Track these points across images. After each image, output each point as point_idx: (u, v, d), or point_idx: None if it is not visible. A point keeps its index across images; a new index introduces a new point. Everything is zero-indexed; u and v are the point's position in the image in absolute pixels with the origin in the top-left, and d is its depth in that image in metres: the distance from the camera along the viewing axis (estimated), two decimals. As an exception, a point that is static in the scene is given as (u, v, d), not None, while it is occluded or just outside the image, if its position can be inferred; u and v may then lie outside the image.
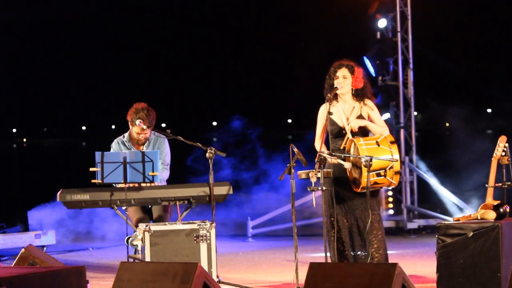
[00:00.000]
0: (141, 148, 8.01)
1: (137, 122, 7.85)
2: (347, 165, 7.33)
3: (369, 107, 7.59)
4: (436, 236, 6.72)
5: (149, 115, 7.90)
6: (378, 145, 7.20)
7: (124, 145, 8.05)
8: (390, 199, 12.58)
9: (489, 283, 6.47)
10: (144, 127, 7.85)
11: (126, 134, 8.11)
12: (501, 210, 6.74)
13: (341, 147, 7.49)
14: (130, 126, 7.99)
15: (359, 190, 7.27)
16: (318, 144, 7.51)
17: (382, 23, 12.59)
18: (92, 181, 7.43)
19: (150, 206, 7.95)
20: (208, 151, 7.48)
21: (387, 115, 12.45)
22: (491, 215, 6.71)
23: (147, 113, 7.90)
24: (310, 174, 7.04)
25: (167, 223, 7.42)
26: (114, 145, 8.11)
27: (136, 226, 7.51)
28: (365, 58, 12.41)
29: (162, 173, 8.00)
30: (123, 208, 7.54)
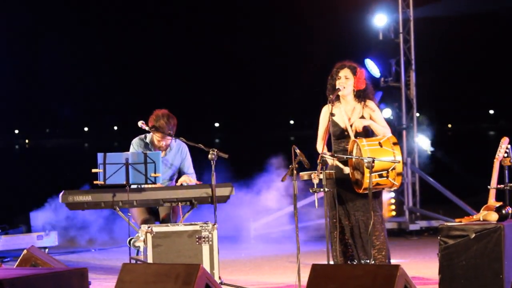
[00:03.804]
0: (162, 154, 7.97)
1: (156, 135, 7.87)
2: (346, 170, 7.34)
3: (371, 108, 7.60)
4: (438, 237, 6.72)
5: (169, 123, 7.88)
6: (381, 146, 7.20)
7: (147, 146, 8.03)
8: (393, 201, 12.57)
9: (492, 284, 6.46)
10: (166, 139, 7.86)
11: (149, 136, 8.08)
12: (503, 211, 6.74)
13: (345, 147, 7.49)
14: (151, 132, 7.96)
15: (361, 191, 7.27)
16: (320, 145, 7.51)
17: (380, 19, 12.56)
18: (94, 182, 7.43)
19: (156, 207, 7.95)
20: (210, 153, 7.48)
21: (387, 113, 12.42)
22: (493, 216, 6.70)
23: (167, 120, 7.87)
24: (313, 176, 7.04)
25: (169, 224, 7.41)
26: (135, 144, 8.07)
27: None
28: (368, 59, 12.38)
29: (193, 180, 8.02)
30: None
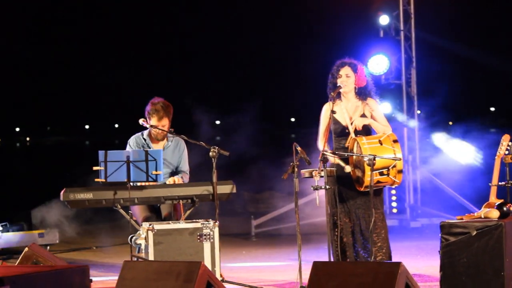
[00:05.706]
0: (160, 143, 7.98)
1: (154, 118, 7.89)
2: (348, 168, 7.34)
3: (372, 106, 7.59)
4: (440, 235, 6.71)
5: (166, 107, 7.92)
6: (381, 144, 7.20)
7: (144, 142, 8.03)
8: (394, 198, 12.58)
9: (493, 282, 6.46)
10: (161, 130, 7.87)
11: (145, 132, 8.10)
12: (505, 209, 6.73)
13: (345, 146, 7.49)
14: (148, 121, 7.97)
15: (362, 189, 7.26)
16: (321, 143, 7.50)
17: (384, 20, 12.57)
18: (96, 180, 7.42)
19: (158, 205, 7.95)
20: (212, 150, 7.47)
21: (388, 108, 12.41)
22: (495, 214, 6.70)
23: (163, 104, 7.93)
24: (314, 173, 7.03)
25: (170, 222, 7.41)
26: (132, 142, 8.08)
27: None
28: (373, 56, 12.35)
29: (185, 179, 8.02)
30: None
